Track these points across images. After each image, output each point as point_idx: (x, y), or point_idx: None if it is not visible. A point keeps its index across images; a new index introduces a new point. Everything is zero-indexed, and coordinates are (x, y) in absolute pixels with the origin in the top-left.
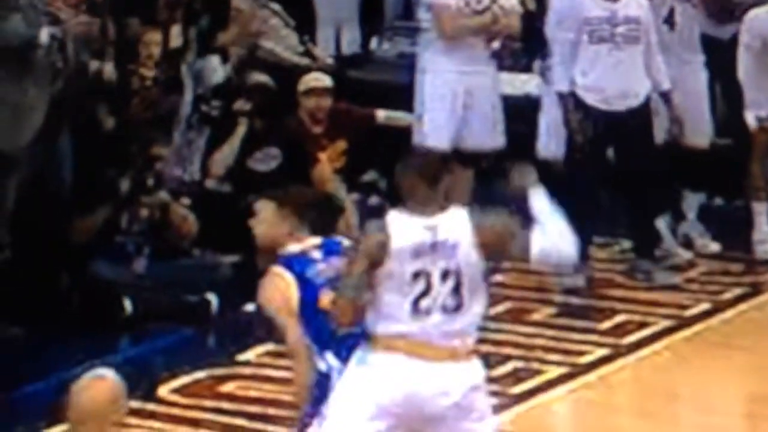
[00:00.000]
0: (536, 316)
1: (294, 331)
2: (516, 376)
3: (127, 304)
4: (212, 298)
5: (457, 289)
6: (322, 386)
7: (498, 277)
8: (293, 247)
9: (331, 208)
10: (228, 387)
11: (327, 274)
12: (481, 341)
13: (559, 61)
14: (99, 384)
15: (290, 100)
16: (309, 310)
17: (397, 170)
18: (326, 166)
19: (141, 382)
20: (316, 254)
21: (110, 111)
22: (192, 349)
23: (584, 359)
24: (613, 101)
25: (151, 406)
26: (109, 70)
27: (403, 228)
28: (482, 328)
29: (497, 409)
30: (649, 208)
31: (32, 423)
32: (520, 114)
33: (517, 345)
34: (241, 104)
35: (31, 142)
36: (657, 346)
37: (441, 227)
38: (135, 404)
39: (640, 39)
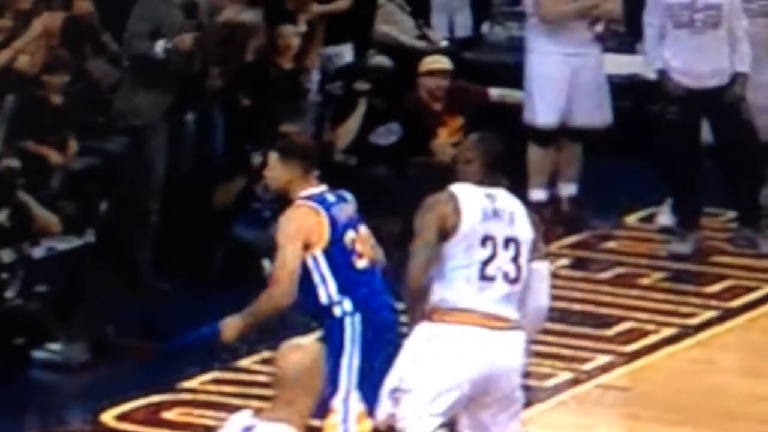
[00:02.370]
0: (646, 281)
1: (293, 261)
2: (628, 336)
3: (266, 264)
4: None
5: (515, 259)
6: (335, 332)
7: (609, 244)
8: (311, 190)
9: (451, 178)
10: None
11: (346, 215)
12: (595, 303)
13: (648, 45)
14: (299, 352)
15: (408, 79)
16: (336, 249)
17: (461, 150)
18: (445, 140)
19: (278, 334)
20: (331, 197)
21: (247, 94)
22: None
23: (693, 321)
24: (702, 79)
25: None
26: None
27: (469, 194)
28: (594, 291)
29: (612, 366)
30: (751, 178)
31: (182, 371)
32: (626, 92)
33: (629, 307)
34: (360, 84)
35: (160, 120)
36: (765, 308)
37: (499, 197)
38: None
39: (719, 24)
